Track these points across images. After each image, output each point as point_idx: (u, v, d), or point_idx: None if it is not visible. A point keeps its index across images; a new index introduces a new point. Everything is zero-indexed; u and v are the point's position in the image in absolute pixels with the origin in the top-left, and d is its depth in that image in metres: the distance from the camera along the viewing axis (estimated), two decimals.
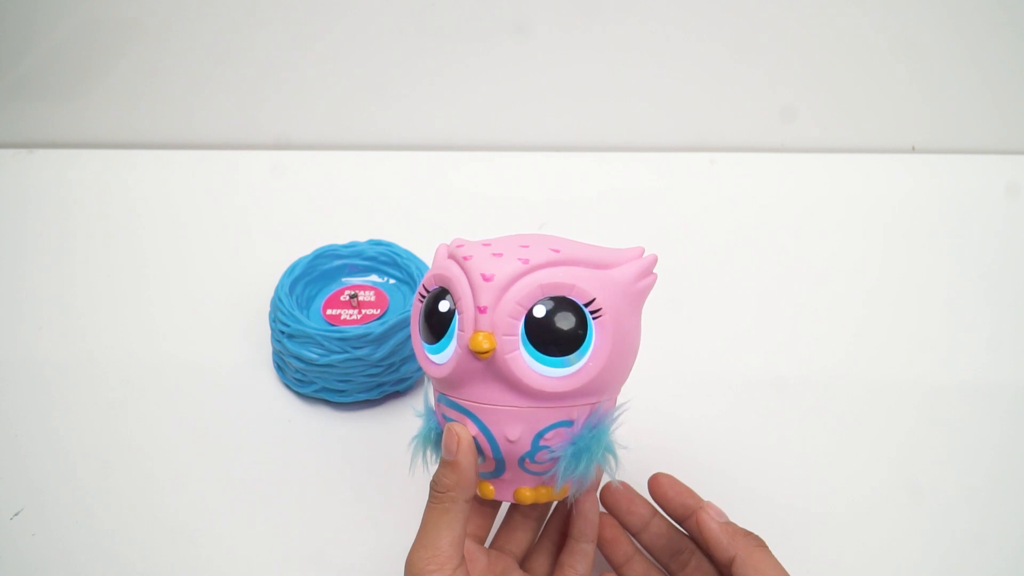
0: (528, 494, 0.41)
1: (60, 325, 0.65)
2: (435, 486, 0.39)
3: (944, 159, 0.80)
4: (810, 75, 0.78)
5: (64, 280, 0.69)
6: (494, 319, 0.38)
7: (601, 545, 0.46)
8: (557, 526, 0.46)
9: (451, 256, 0.41)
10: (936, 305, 0.66)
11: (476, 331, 0.38)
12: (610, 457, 0.40)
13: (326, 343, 0.55)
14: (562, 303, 0.39)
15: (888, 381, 0.60)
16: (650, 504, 0.46)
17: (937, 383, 0.59)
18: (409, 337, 0.56)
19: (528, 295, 0.38)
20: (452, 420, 0.40)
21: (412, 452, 0.43)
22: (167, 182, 0.79)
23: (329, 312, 0.59)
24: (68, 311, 0.66)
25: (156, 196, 0.78)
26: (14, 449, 0.55)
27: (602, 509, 0.46)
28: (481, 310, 0.38)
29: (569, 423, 0.40)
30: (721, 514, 0.42)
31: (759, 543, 0.41)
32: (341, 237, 0.64)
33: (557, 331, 0.38)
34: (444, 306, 0.40)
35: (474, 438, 0.39)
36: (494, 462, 0.41)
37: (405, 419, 0.57)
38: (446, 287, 0.40)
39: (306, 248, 0.62)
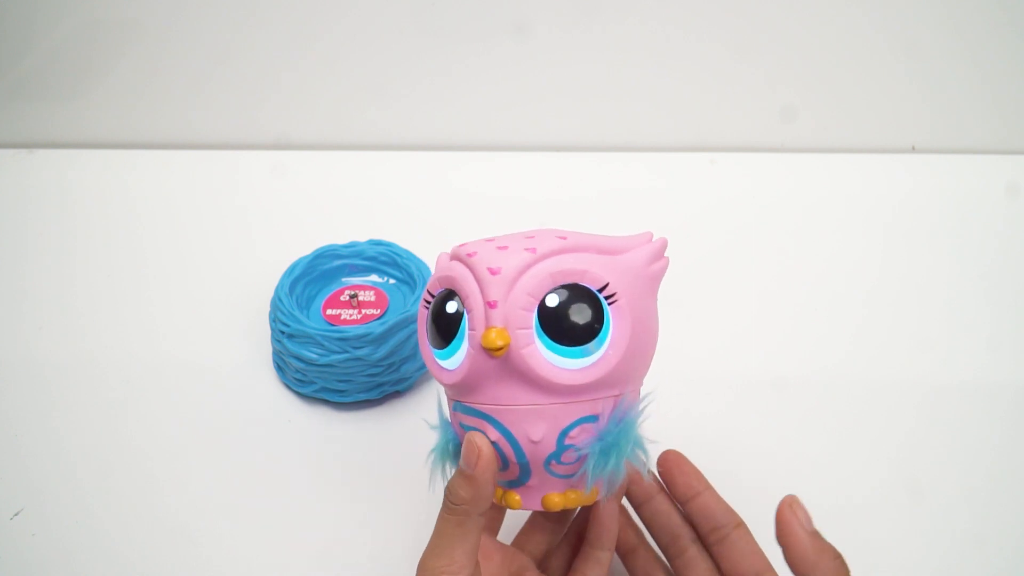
0: (557, 500, 0.39)
1: (60, 325, 0.65)
2: (451, 497, 0.37)
3: (944, 159, 0.80)
4: (810, 75, 0.78)
5: (64, 280, 0.69)
6: (506, 313, 0.36)
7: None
8: (576, 528, 0.45)
9: (454, 257, 0.40)
10: (936, 305, 0.66)
11: (488, 328, 0.36)
12: (639, 452, 0.39)
13: (326, 343, 0.55)
14: (575, 290, 0.37)
15: (888, 381, 0.60)
16: (656, 479, 0.45)
17: (937, 383, 0.59)
18: (409, 336, 0.56)
19: (539, 285, 0.37)
20: (470, 429, 0.38)
21: (431, 467, 0.41)
22: (167, 182, 0.79)
23: (329, 312, 0.59)
24: (68, 311, 0.66)
25: (156, 196, 0.78)
26: (14, 449, 0.55)
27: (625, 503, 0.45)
28: (491, 305, 0.36)
29: (594, 418, 0.38)
30: (809, 520, 0.37)
31: (845, 568, 0.38)
32: (341, 237, 0.64)
33: (573, 319, 0.37)
34: (452, 307, 0.38)
35: (495, 444, 0.37)
36: (518, 467, 0.38)
37: (405, 419, 0.57)
38: (452, 288, 0.38)
39: (306, 248, 0.62)
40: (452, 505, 0.37)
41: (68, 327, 0.65)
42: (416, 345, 0.57)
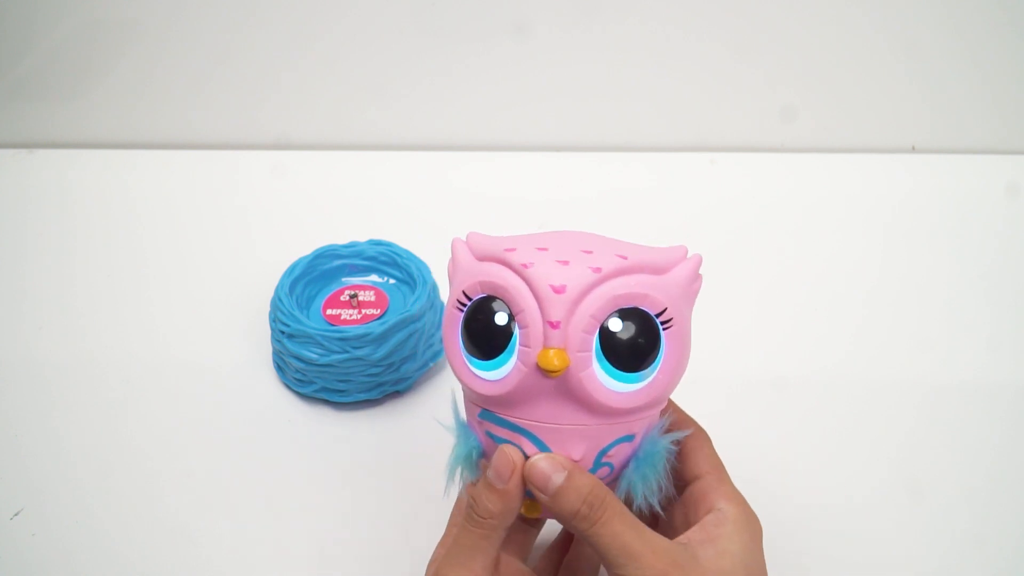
0: None
1: (60, 325, 0.65)
2: (477, 510, 0.37)
3: (944, 159, 0.80)
4: (810, 75, 0.78)
5: (64, 280, 0.69)
6: (567, 335, 0.35)
7: None
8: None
9: (498, 260, 0.37)
10: (936, 305, 0.66)
11: (545, 348, 0.35)
12: (667, 465, 0.39)
13: (326, 343, 0.55)
14: (636, 315, 0.36)
15: (888, 381, 0.60)
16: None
17: (937, 383, 0.59)
18: (409, 336, 0.56)
19: (602, 307, 0.35)
20: (502, 441, 0.37)
21: (448, 474, 0.39)
22: (167, 182, 0.79)
23: (329, 312, 0.59)
24: (68, 311, 0.66)
25: (156, 196, 0.78)
26: (14, 449, 0.55)
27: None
28: (553, 325, 0.35)
29: (631, 437, 0.37)
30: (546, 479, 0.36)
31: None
32: (341, 237, 0.64)
33: (634, 345, 0.36)
34: (501, 318, 0.36)
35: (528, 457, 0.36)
36: None
37: (405, 419, 0.57)
38: (500, 297, 0.36)
39: (306, 248, 0.62)
40: (478, 518, 0.37)
41: (68, 327, 0.65)
42: (416, 345, 0.57)
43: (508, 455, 0.36)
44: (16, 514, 0.51)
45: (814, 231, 0.74)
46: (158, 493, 0.53)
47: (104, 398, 0.59)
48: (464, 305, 0.38)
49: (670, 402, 0.42)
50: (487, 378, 0.37)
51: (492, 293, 0.37)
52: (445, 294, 0.62)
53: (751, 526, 0.38)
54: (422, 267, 0.60)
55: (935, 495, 0.52)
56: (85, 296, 0.67)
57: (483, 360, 0.37)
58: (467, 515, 0.37)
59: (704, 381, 0.59)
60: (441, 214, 0.75)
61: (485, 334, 0.37)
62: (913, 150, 0.81)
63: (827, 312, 0.65)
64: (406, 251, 0.62)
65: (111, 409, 0.58)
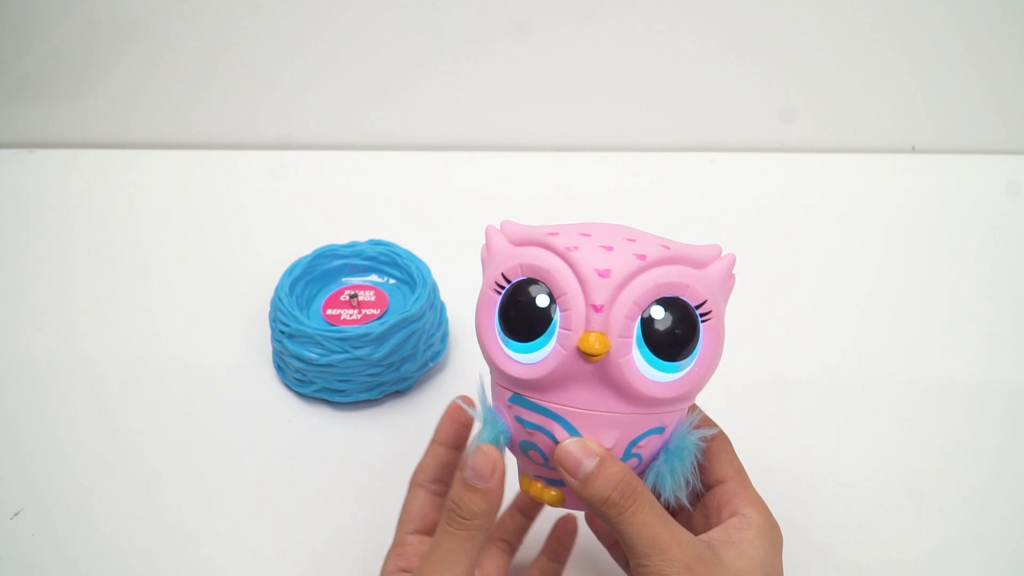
0: None
1: (60, 325, 0.65)
2: (459, 512, 0.36)
3: (944, 159, 0.80)
4: (810, 75, 0.78)
5: (64, 280, 0.69)
6: (609, 319, 0.35)
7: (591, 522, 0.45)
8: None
9: (540, 243, 0.37)
10: (936, 305, 0.66)
11: (587, 331, 0.35)
12: (694, 460, 0.38)
13: (326, 343, 0.55)
14: (677, 304, 0.36)
15: (888, 381, 0.60)
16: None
17: (937, 383, 0.59)
18: (409, 336, 0.56)
19: (645, 294, 0.35)
20: (533, 426, 0.37)
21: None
22: (167, 182, 0.79)
23: (329, 312, 0.59)
24: (68, 311, 0.66)
25: (156, 196, 0.78)
26: (14, 449, 0.55)
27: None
28: (597, 309, 0.35)
29: (661, 429, 0.37)
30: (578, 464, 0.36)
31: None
32: (341, 237, 0.64)
33: (674, 335, 0.35)
34: (543, 300, 0.36)
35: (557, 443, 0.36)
36: None
37: (405, 419, 0.57)
38: (542, 280, 0.36)
39: (306, 248, 0.62)
40: (462, 520, 0.36)
41: (68, 327, 0.65)
42: (416, 345, 0.57)
43: (487, 453, 0.36)
44: (16, 514, 0.51)
45: (814, 231, 0.74)
46: (158, 493, 0.53)
47: (104, 398, 0.59)
48: (502, 288, 0.37)
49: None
50: (524, 361, 0.37)
51: (534, 276, 0.37)
52: (445, 294, 0.62)
53: (773, 534, 0.38)
54: (422, 267, 0.60)
55: (935, 495, 0.52)
56: (85, 296, 0.67)
57: (521, 343, 0.37)
58: (449, 518, 0.37)
59: None
60: (441, 214, 0.75)
61: (524, 316, 0.36)
62: (913, 150, 0.81)
63: (827, 312, 0.65)
64: (406, 251, 0.62)
65: (111, 409, 0.58)
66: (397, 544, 0.42)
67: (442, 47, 0.78)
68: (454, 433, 0.41)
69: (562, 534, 0.46)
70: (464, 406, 0.37)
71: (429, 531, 0.42)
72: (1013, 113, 0.79)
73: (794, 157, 0.81)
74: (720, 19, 0.76)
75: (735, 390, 0.58)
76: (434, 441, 0.42)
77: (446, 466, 0.41)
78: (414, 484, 0.42)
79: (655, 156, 0.81)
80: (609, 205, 0.76)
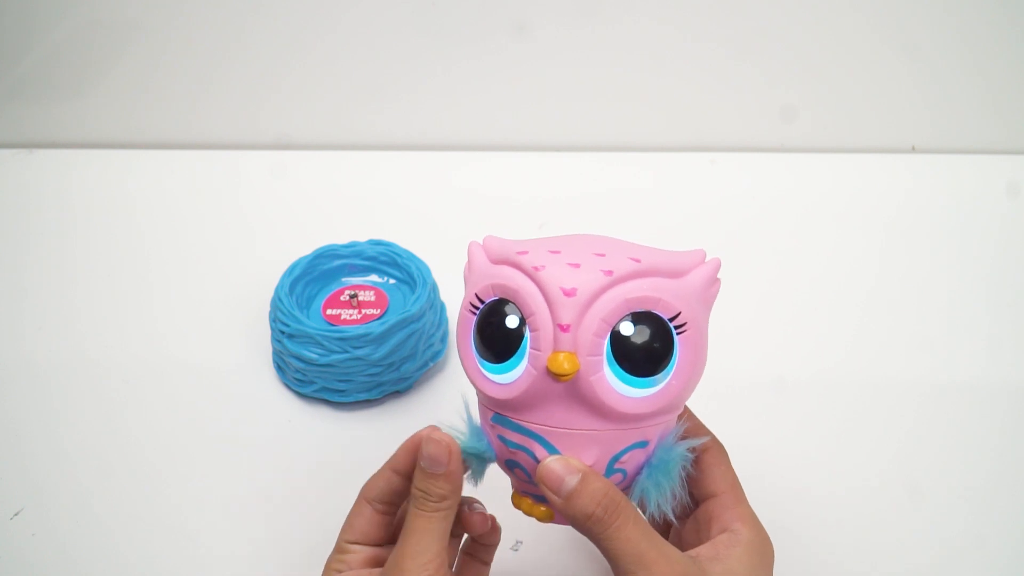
0: None
1: (60, 325, 0.65)
2: (428, 496, 0.37)
3: (944, 159, 0.80)
4: (810, 75, 0.78)
5: (64, 280, 0.69)
6: (577, 338, 0.35)
7: None
8: None
9: (508, 262, 0.37)
10: (936, 305, 0.66)
11: (556, 351, 0.35)
12: (682, 471, 0.38)
13: (326, 343, 0.55)
14: (648, 319, 0.35)
15: (888, 381, 0.60)
16: None
17: (937, 383, 0.59)
18: (409, 336, 0.56)
19: (614, 311, 0.35)
20: (515, 446, 0.37)
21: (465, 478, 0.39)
22: (167, 182, 0.79)
23: (329, 312, 0.59)
24: (68, 311, 0.66)
25: (156, 196, 0.78)
26: (14, 449, 0.55)
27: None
28: (564, 328, 0.35)
29: (644, 443, 0.37)
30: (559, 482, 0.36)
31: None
32: (341, 237, 0.64)
33: (646, 349, 0.35)
34: (512, 321, 0.36)
35: (538, 462, 0.36)
36: None
37: (405, 419, 0.57)
38: (512, 300, 0.36)
39: (306, 248, 0.62)
40: (432, 503, 0.37)
41: (68, 327, 0.65)
42: (416, 345, 0.57)
43: (439, 440, 0.37)
44: (16, 514, 0.51)
45: (814, 231, 0.74)
46: (158, 493, 0.53)
47: (104, 398, 0.59)
48: (477, 308, 0.38)
49: (686, 409, 0.42)
50: (499, 381, 0.37)
51: (504, 296, 0.37)
52: (445, 294, 0.62)
53: (763, 550, 0.38)
54: (422, 267, 0.60)
55: (935, 495, 0.52)
56: (85, 296, 0.67)
57: (495, 363, 0.37)
58: (419, 503, 0.37)
59: (703, 382, 0.59)
60: (441, 214, 0.75)
61: (497, 337, 0.37)
62: (913, 150, 0.81)
63: (827, 312, 0.65)
64: (406, 251, 0.62)
65: (111, 409, 0.58)
66: (338, 551, 0.42)
67: (442, 47, 0.78)
68: (410, 464, 0.41)
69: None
70: (440, 433, 0.38)
71: (370, 544, 0.42)
72: (1013, 113, 0.79)
73: (794, 157, 0.81)
74: (720, 19, 0.76)
75: (734, 391, 0.58)
76: (390, 467, 0.42)
77: (396, 493, 0.41)
78: (363, 498, 0.42)
79: (655, 156, 0.81)
80: (609, 205, 0.76)
